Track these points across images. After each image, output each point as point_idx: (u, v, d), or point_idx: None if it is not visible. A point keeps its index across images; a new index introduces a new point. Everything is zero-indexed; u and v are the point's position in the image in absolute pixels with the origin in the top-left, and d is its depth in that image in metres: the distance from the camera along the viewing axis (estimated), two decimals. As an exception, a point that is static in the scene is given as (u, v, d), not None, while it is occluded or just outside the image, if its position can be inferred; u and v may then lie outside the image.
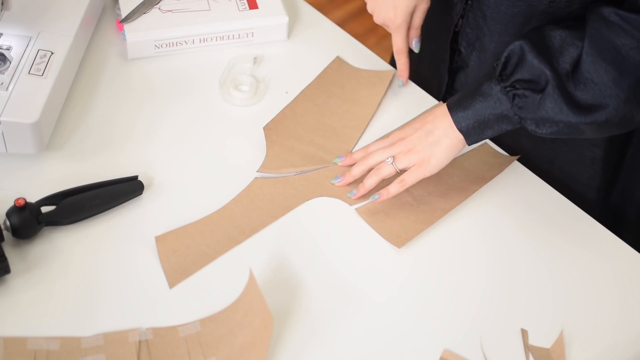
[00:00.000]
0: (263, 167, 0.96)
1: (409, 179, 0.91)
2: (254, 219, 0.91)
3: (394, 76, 1.09)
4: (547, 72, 0.83)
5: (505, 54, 0.87)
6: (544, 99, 0.84)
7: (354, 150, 1.00)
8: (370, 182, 0.92)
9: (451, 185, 0.96)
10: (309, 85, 1.07)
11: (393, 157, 0.92)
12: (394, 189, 0.91)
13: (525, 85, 0.85)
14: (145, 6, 1.08)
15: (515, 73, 0.86)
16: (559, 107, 0.83)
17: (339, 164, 0.97)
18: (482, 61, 1.01)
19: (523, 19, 0.93)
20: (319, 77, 1.08)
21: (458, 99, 0.90)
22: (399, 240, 0.90)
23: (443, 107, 0.91)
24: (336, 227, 0.91)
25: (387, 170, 0.92)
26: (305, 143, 0.99)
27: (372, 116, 1.04)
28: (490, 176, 0.98)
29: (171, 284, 0.84)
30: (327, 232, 0.91)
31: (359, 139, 1.01)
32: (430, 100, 1.07)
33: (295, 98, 1.05)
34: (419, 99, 1.07)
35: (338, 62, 1.11)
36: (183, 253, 0.87)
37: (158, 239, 0.87)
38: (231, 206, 0.92)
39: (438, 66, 1.09)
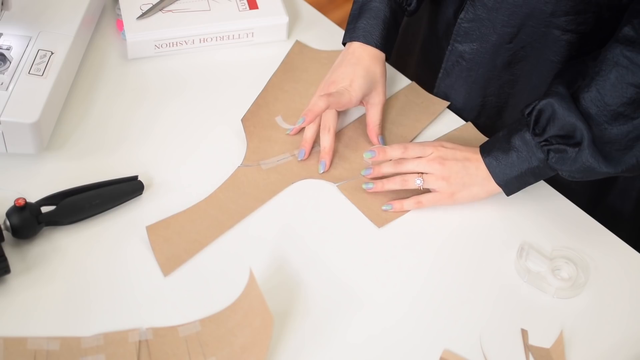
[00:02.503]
0: (246, 160, 0.97)
1: (427, 203, 0.93)
2: (241, 204, 0.92)
3: None
4: (582, 127, 0.84)
5: (535, 111, 0.87)
6: (580, 153, 0.85)
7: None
8: (391, 187, 0.93)
9: None
10: (275, 72, 1.08)
11: (424, 174, 0.92)
12: (408, 205, 0.93)
13: (560, 140, 0.86)
14: (163, 5, 1.09)
15: (548, 129, 0.87)
16: (596, 160, 0.84)
17: (372, 159, 0.95)
18: (483, 52, 1.01)
19: (527, 10, 0.94)
20: (284, 63, 1.10)
21: (493, 154, 0.90)
22: (380, 219, 0.92)
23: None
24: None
25: (412, 186, 0.93)
26: (281, 130, 1.01)
27: None
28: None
29: (165, 273, 0.85)
30: (325, 227, 0.91)
31: None
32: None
33: (265, 87, 1.06)
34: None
35: (299, 46, 1.12)
36: (175, 241, 0.88)
37: (149, 228, 0.88)
38: (218, 194, 0.93)
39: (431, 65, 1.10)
